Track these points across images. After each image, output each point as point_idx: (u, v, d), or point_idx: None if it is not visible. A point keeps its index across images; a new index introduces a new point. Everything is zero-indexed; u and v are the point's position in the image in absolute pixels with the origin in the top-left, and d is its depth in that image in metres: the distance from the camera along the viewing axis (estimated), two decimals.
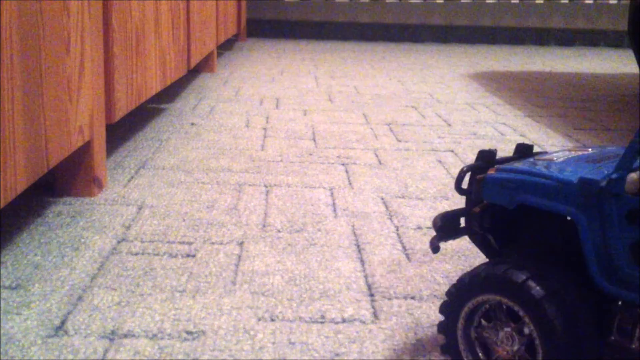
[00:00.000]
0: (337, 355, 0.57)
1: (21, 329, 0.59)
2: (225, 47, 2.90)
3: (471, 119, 1.54)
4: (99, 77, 0.93)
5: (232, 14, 2.51)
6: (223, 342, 0.58)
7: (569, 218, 0.48)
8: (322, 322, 0.62)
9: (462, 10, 3.53)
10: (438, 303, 0.66)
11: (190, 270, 0.71)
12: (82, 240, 0.78)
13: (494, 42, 3.51)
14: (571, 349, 0.42)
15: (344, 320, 0.62)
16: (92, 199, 0.92)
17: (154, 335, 0.59)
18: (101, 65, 0.94)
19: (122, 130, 1.32)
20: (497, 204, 0.50)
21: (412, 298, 0.67)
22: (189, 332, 0.59)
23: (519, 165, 0.50)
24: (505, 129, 1.45)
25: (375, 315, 0.63)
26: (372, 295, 0.67)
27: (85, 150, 0.91)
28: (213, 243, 0.78)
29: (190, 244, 0.78)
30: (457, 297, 0.47)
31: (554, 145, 1.31)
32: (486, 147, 1.28)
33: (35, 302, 0.63)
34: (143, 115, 1.46)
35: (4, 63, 0.64)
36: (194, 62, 1.64)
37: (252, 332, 0.60)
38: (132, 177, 1.02)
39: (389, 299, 0.67)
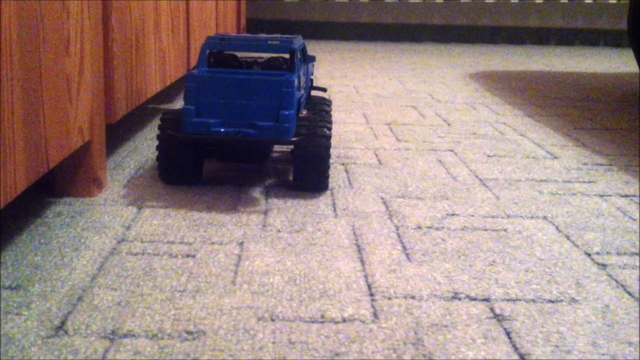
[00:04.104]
0: (337, 355, 0.57)
1: (21, 329, 0.59)
2: None
3: (471, 118, 1.54)
4: (99, 77, 0.93)
5: (231, 14, 2.51)
6: (223, 342, 0.58)
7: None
8: (322, 322, 0.62)
9: (462, 10, 3.53)
10: (438, 303, 0.66)
11: (190, 270, 0.71)
12: (82, 240, 0.78)
13: (494, 42, 3.51)
14: None
15: (344, 320, 0.62)
16: (92, 199, 0.92)
17: (154, 335, 0.59)
18: (101, 65, 0.94)
19: (122, 130, 1.32)
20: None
21: (412, 298, 0.67)
22: (189, 332, 0.59)
23: None
24: (505, 128, 1.45)
25: (375, 315, 0.63)
26: (372, 295, 0.67)
27: (85, 150, 0.91)
28: (213, 243, 0.78)
29: (190, 244, 0.78)
30: None
31: (554, 145, 1.31)
32: (486, 147, 1.28)
33: (35, 302, 0.63)
34: (143, 115, 1.46)
35: (3, 63, 0.64)
36: (194, 62, 1.64)
37: (252, 332, 0.60)
38: (132, 177, 1.02)
39: (389, 298, 0.67)
